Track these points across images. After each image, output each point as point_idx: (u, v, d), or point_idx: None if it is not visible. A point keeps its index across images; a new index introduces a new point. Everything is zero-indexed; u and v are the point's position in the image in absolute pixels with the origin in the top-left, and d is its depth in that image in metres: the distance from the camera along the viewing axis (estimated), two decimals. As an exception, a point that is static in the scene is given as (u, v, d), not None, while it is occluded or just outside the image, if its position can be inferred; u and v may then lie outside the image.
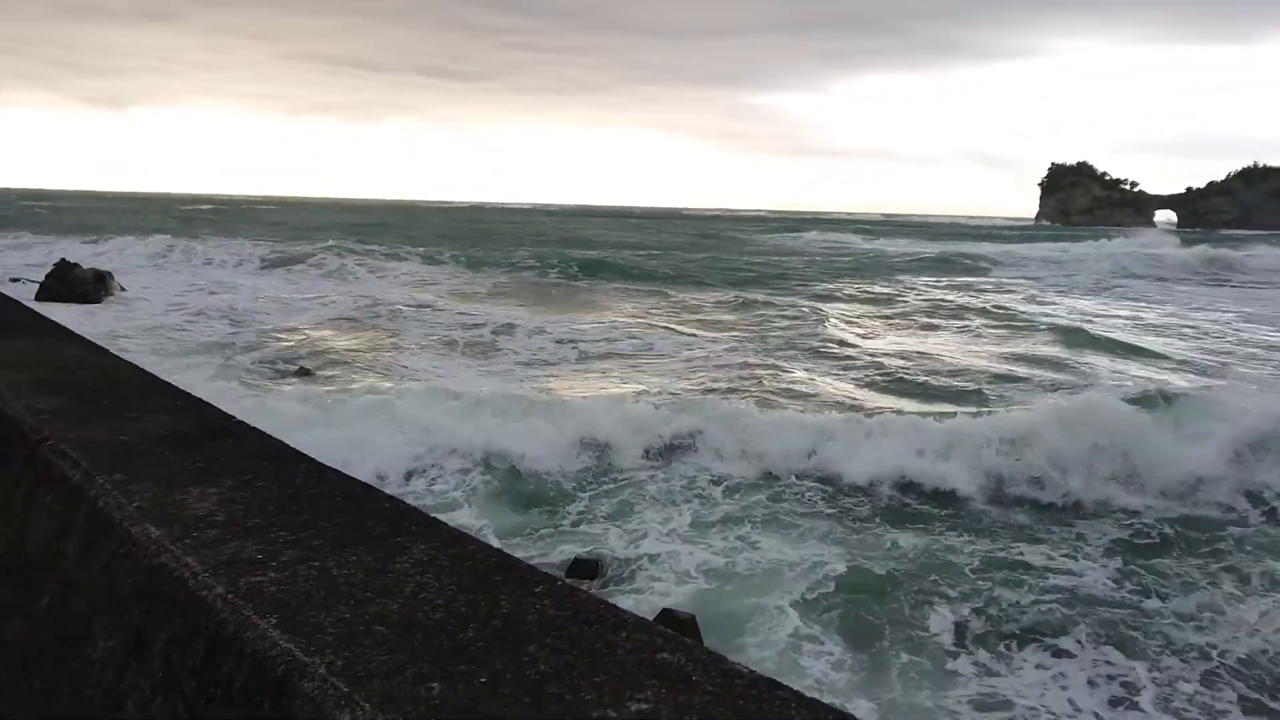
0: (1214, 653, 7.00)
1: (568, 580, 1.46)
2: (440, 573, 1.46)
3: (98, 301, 23.54)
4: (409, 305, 25.31)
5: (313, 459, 2.07)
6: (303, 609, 1.32)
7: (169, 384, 2.93)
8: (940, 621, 7.44)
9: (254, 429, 2.33)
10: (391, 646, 1.21)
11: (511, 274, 36.18)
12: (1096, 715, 6.26)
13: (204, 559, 1.48)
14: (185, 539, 1.57)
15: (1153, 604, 7.89)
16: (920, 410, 13.84)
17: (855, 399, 14.68)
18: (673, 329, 22.47)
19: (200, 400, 2.67)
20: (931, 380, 16.18)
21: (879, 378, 16.42)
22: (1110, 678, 6.72)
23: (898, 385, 15.88)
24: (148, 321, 20.35)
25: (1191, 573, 8.49)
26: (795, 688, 1.14)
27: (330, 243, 44.07)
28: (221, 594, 1.36)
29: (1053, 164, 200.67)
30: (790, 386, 15.39)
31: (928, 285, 37.19)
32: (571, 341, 19.53)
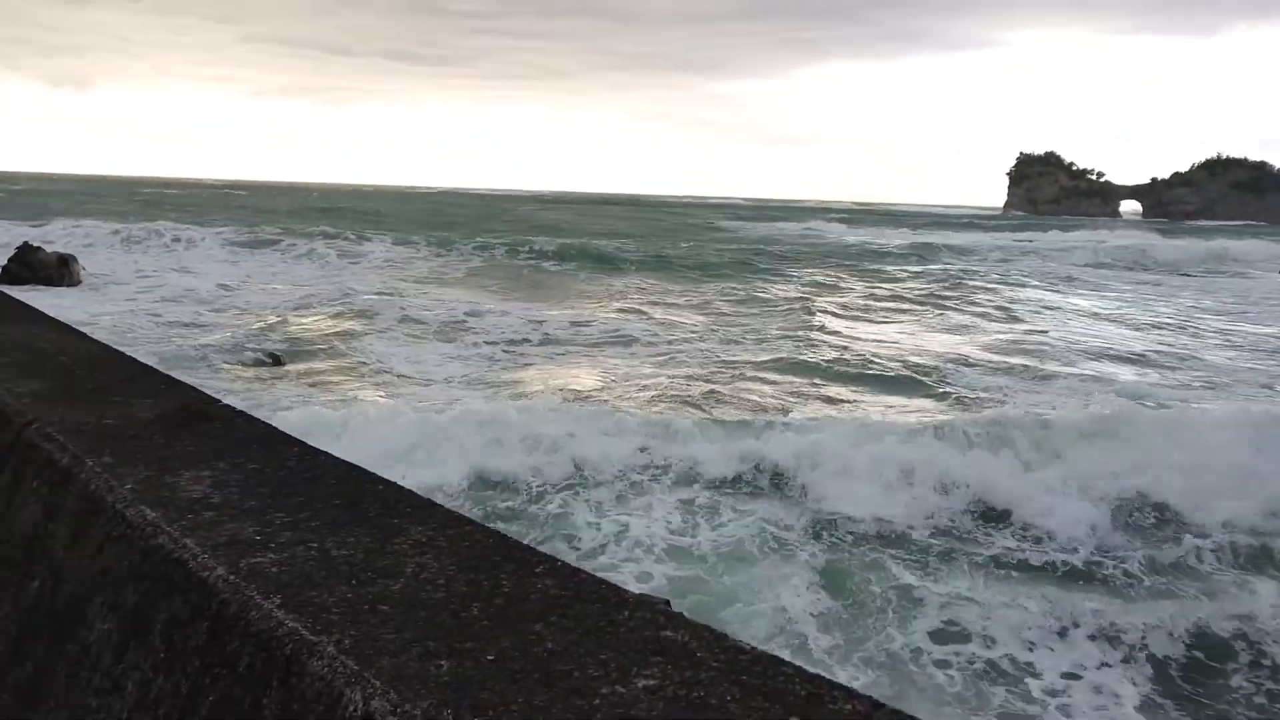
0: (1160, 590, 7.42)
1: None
2: (439, 553, 1.47)
3: (61, 285, 23.20)
4: (380, 290, 25.14)
5: (303, 442, 2.07)
6: (305, 589, 1.32)
7: (150, 367, 2.91)
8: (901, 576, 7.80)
9: (241, 412, 2.32)
10: (397, 625, 1.22)
11: (484, 260, 36.00)
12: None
13: (202, 541, 1.48)
14: (181, 521, 1.57)
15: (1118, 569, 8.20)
16: (882, 402, 13.90)
17: (823, 390, 14.69)
18: (645, 315, 22.48)
19: (183, 383, 2.65)
20: (899, 373, 16.07)
21: (846, 368, 16.35)
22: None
23: (862, 376, 15.80)
24: (113, 306, 20.09)
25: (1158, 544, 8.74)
26: (796, 662, 1.16)
27: (299, 227, 43.68)
28: (223, 575, 1.37)
29: (1020, 153, 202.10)
30: (760, 374, 15.44)
31: (900, 274, 37.37)
32: (541, 329, 19.46)
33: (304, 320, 19.69)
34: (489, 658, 1.15)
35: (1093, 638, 7.01)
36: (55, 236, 33.29)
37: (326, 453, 1.99)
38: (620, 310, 23.51)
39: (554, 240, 42.35)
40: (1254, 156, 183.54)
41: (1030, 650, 6.87)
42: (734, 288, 29.17)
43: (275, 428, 2.20)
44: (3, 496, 2.07)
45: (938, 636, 6.98)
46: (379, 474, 1.85)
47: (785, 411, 13.06)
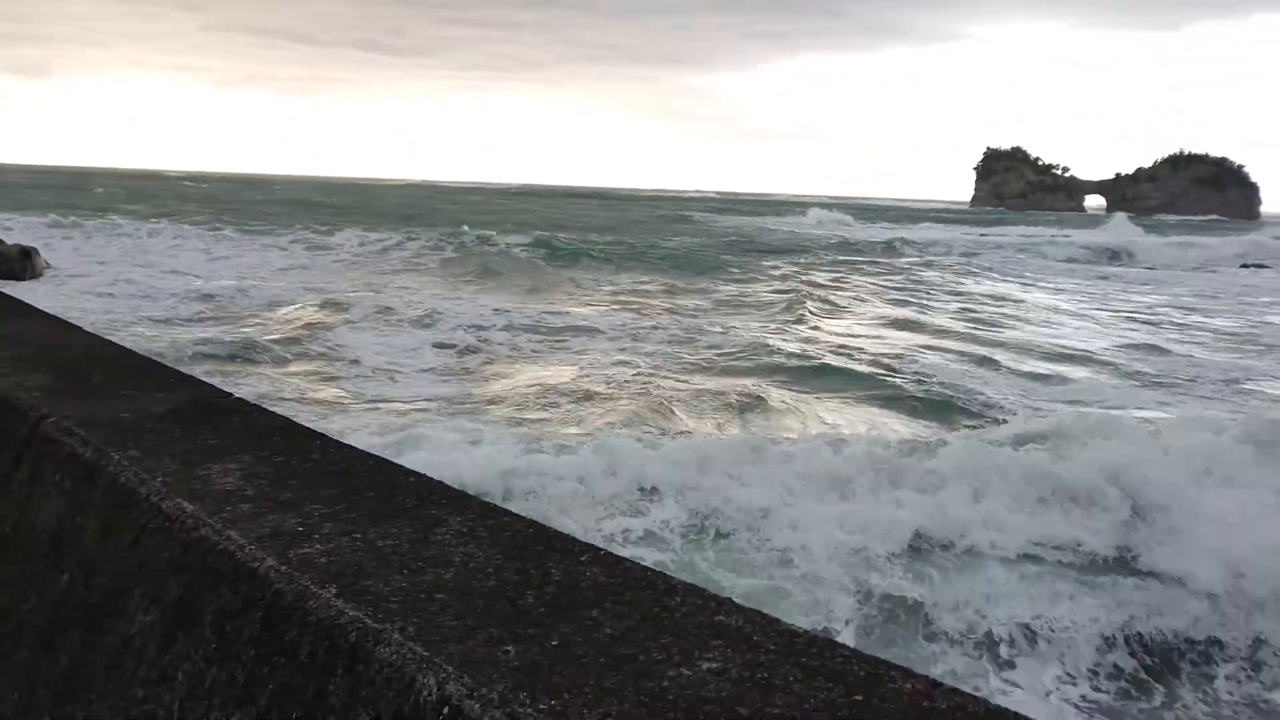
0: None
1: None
2: (482, 543, 1.48)
3: (24, 279, 22.82)
4: (351, 283, 25.01)
5: (325, 435, 2.07)
6: (359, 579, 1.34)
7: (154, 360, 2.90)
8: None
9: (257, 405, 2.32)
10: (457, 613, 1.24)
11: (456, 253, 35.78)
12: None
13: (245, 532, 1.49)
14: (220, 513, 1.57)
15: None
16: (836, 401, 13.48)
17: (779, 386, 14.18)
18: (615, 308, 22.49)
19: (191, 377, 2.65)
20: (854, 372, 15.15)
21: (802, 363, 15.83)
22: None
23: (815, 371, 15.14)
24: (81, 301, 19.81)
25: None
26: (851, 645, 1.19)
27: (266, 219, 43.32)
28: (274, 565, 1.38)
29: (988, 148, 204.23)
30: (721, 370, 15.39)
31: (869, 268, 37.59)
32: (510, 323, 19.25)
33: (273, 313, 19.52)
34: (553, 643, 1.17)
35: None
36: (14, 225, 32.77)
37: (350, 445, 2.00)
38: (589, 303, 23.52)
39: (528, 234, 42.25)
40: (1215, 152, 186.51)
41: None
42: (702, 281, 29.22)
43: (294, 420, 2.21)
44: (20, 490, 2.06)
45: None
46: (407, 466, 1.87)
47: (746, 409, 12.80)
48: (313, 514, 1.58)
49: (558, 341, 17.82)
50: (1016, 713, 1.04)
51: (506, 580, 1.35)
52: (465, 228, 42.65)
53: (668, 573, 1.42)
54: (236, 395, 2.42)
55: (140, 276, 24.57)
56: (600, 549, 1.47)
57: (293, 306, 20.39)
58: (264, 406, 2.32)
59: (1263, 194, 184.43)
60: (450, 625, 1.21)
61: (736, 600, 1.31)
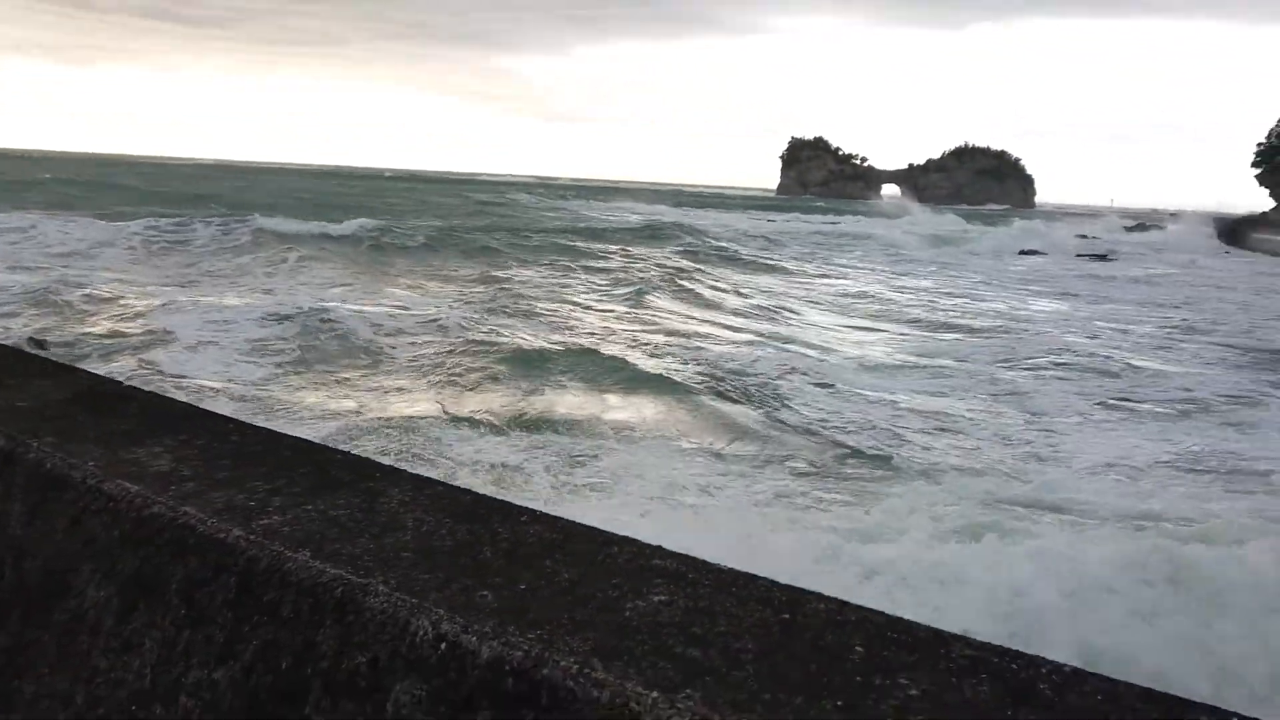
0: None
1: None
2: (427, 509, 1.63)
3: None
4: (155, 271, 23.64)
5: (234, 418, 2.15)
6: (326, 544, 1.47)
7: (16, 349, 2.84)
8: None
9: (150, 391, 2.35)
10: (428, 569, 1.40)
11: (258, 238, 34.26)
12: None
13: (201, 507, 1.58)
14: (167, 492, 1.65)
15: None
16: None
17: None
18: (430, 297, 22.19)
19: (68, 365, 2.63)
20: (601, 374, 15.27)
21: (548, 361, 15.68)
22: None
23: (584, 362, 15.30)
24: None
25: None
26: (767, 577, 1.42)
27: (40, 200, 40.19)
28: (242, 535, 1.48)
29: (792, 138, 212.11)
30: (487, 367, 15.58)
31: (657, 255, 38.42)
32: (322, 310, 18.58)
33: (70, 304, 18.25)
34: (521, 588, 1.35)
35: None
36: None
37: (265, 427, 2.08)
38: (406, 288, 23.16)
39: (337, 218, 40.85)
40: (995, 145, 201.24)
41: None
42: (516, 266, 29.12)
43: (193, 405, 2.26)
44: (-87, 482, 2.03)
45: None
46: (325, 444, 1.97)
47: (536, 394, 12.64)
48: (257, 490, 1.68)
49: (375, 328, 17.46)
50: (911, 620, 1.30)
51: (461, 540, 1.51)
52: (263, 212, 40.84)
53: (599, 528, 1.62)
54: (125, 382, 2.43)
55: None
56: (536, 510, 1.65)
57: (89, 294, 19.12)
58: (158, 393, 2.35)
59: (1037, 185, 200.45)
60: (425, 579, 1.36)
61: (665, 547, 1.52)
